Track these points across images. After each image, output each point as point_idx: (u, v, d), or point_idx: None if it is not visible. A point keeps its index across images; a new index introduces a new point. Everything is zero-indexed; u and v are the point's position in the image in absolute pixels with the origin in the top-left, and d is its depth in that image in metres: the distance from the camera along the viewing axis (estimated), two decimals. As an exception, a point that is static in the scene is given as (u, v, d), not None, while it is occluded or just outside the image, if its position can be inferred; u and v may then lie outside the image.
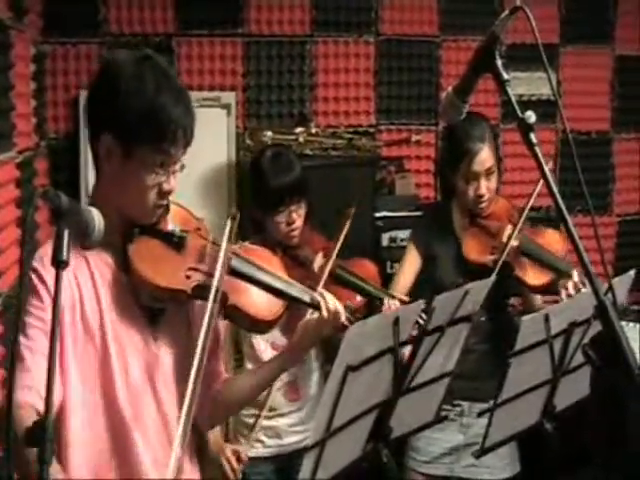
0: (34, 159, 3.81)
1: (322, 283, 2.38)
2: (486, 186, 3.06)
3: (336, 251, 2.54)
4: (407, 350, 2.04)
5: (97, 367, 1.86)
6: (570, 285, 2.87)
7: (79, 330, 1.84)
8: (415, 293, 3.04)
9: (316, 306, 2.11)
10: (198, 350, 1.85)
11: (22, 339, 1.75)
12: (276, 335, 2.86)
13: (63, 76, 4.31)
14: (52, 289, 1.74)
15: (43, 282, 1.80)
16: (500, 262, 2.96)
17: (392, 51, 4.74)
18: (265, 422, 3.00)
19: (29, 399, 1.68)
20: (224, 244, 1.98)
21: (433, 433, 3.01)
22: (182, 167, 1.92)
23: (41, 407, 1.48)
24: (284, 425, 3.01)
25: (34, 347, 1.74)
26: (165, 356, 1.97)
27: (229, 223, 2.02)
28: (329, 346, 2.41)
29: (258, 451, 3.03)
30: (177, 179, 1.91)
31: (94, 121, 1.91)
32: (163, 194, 1.90)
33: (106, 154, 1.87)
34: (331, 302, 2.11)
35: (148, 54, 1.93)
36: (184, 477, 1.99)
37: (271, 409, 2.97)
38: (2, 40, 3.33)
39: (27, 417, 1.57)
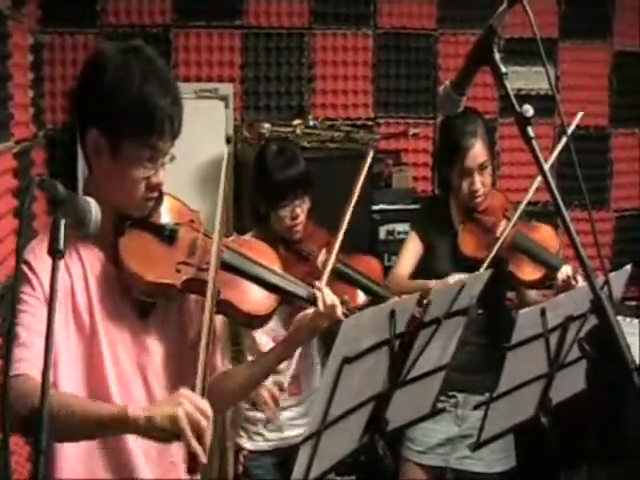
0: (31, 149, 3.80)
1: (325, 278, 2.36)
2: (480, 181, 3.06)
3: (337, 247, 2.53)
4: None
5: (88, 358, 1.85)
6: (559, 277, 2.87)
7: (70, 321, 1.84)
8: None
9: (311, 300, 2.10)
10: (202, 343, 1.81)
11: (17, 322, 1.74)
12: (278, 329, 2.85)
13: (61, 66, 4.32)
14: (43, 279, 1.76)
15: (34, 272, 1.79)
16: (490, 257, 2.94)
17: (390, 44, 4.74)
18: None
19: (28, 371, 1.68)
20: (216, 237, 1.94)
21: (428, 424, 3.01)
22: (172, 158, 1.89)
23: (37, 376, 1.55)
24: (285, 418, 2.98)
25: (29, 326, 1.73)
26: (156, 349, 1.95)
27: (219, 216, 1.97)
28: (330, 340, 2.40)
29: (259, 444, 3.02)
30: (166, 171, 1.89)
31: (81, 116, 1.89)
32: (152, 187, 1.88)
33: (94, 149, 1.85)
34: (328, 296, 2.11)
35: (135, 45, 1.89)
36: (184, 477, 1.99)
37: None
38: (0, 30, 3.32)
39: (23, 382, 1.64)
